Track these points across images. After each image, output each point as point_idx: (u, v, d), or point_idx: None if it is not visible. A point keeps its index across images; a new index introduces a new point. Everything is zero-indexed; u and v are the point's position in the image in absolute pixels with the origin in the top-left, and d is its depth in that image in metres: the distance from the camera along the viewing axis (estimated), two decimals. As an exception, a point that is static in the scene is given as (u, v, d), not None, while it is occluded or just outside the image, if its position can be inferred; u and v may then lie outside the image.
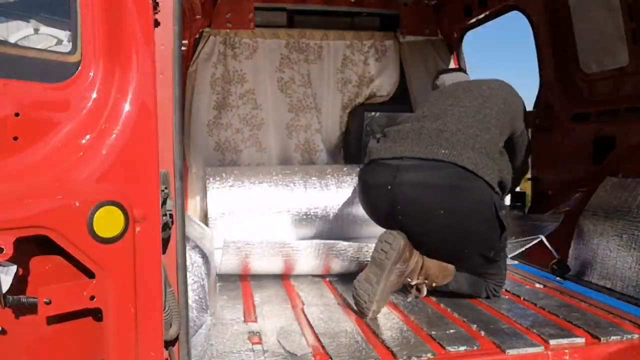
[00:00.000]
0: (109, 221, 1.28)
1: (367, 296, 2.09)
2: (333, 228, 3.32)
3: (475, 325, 1.97)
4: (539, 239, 2.74)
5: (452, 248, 2.24)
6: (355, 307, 2.20)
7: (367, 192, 2.43)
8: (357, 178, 3.35)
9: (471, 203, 2.16)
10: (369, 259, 2.26)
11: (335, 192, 3.32)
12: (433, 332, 1.91)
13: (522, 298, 2.32)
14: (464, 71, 3.16)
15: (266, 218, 3.18)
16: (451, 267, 2.26)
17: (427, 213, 2.15)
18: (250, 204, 3.16)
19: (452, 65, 4.12)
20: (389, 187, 2.24)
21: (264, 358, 1.72)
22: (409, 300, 2.26)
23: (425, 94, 4.04)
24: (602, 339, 1.82)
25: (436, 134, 2.27)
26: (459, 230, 2.17)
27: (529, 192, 3.50)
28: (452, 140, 2.23)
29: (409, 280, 2.21)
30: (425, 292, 2.25)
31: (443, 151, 2.21)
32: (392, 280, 2.13)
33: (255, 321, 2.11)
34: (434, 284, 2.25)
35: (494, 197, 2.17)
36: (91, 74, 1.37)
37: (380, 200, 2.28)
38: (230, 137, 3.80)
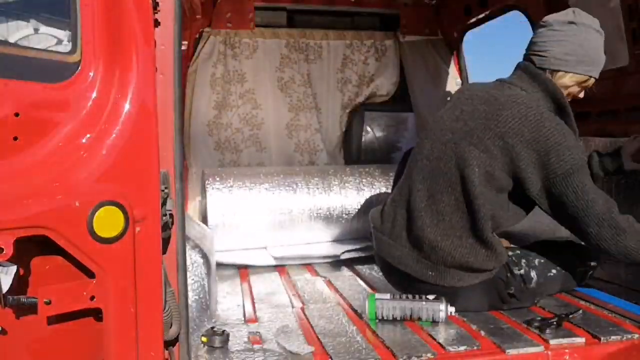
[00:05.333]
0: (109, 221, 1.28)
1: None
2: (336, 229, 3.32)
3: (475, 325, 1.97)
4: None
5: None
6: (355, 307, 2.21)
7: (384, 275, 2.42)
8: (359, 179, 3.37)
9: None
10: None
11: (339, 193, 3.32)
12: (433, 332, 1.91)
13: (522, 298, 2.32)
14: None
15: (268, 219, 3.18)
16: None
17: None
18: (251, 205, 3.16)
19: (452, 65, 4.12)
20: (403, 285, 2.22)
21: (264, 358, 1.72)
22: None
23: (425, 94, 4.07)
24: (602, 339, 1.82)
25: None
26: None
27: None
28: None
29: None
30: None
31: (430, 273, 2.08)
32: None
33: (255, 321, 2.11)
34: None
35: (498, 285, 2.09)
36: (91, 73, 1.37)
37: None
38: (230, 137, 3.81)
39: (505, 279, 2.10)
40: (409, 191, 2.19)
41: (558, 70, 2.08)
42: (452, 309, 2.01)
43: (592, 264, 2.26)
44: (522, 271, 2.12)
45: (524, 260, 2.14)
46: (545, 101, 2.06)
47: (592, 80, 2.13)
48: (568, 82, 2.10)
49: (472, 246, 2.02)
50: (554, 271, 2.17)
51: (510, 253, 2.15)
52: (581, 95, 2.19)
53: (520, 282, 2.11)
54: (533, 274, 2.12)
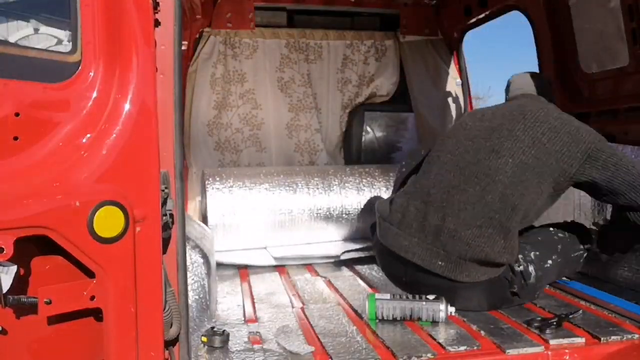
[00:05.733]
0: (109, 221, 1.28)
1: None
2: (336, 229, 3.32)
3: (475, 325, 1.97)
4: None
5: None
6: (355, 307, 2.21)
7: (383, 268, 2.46)
8: (359, 179, 3.38)
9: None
10: None
11: (339, 193, 3.32)
12: (433, 332, 1.91)
13: (522, 298, 2.32)
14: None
15: (268, 219, 3.18)
16: None
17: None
18: (251, 205, 3.16)
19: (452, 65, 4.11)
20: (403, 279, 2.27)
21: (264, 358, 1.72)
22: None
23: (425, 94, 4.07)
24: (602, 339, 1.82)
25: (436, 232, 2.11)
26: None
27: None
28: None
29: None
30: None
31: (439, 263, 2.09)
32: None
33: (255, 321, 2.11)
34: None
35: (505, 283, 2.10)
36: (91, 73, 1.37)
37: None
38: (230, 137, 3.81)
39: (510, 278, 2.10)
40: (428, 183, 2.22)
41: None
42: (452, 309, 2.01)
43: (586, 246, 2.28)
44: (521, 267, 2.11)
45: (520, 255, 2.13)
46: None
47: None
48: None
49: (490, 236, 2.03)
50: (549, 262, 2.16)
51: None
52: None
53: (520, 280, 2.11)
54: (531, 268, 2.12)
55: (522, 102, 2.25)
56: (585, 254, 2.28)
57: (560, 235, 2.26)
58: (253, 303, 2.35)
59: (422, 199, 2.20)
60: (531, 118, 2.09)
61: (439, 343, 1.81)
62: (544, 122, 2.07)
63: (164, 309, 1.43)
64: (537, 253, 2.16)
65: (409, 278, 2.20)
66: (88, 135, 1.35)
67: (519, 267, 2.11)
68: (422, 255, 2.12)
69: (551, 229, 2.29)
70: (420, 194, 2.22)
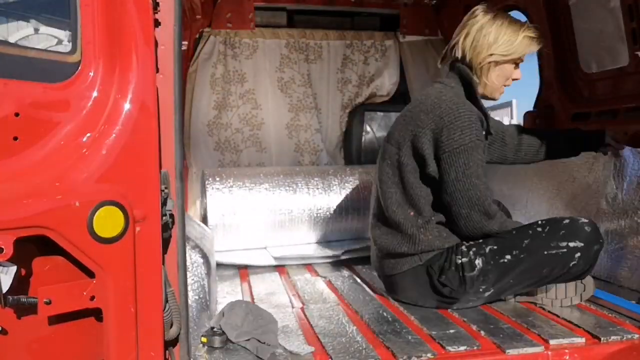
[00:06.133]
0: (109, 221, 1.28)
1: None
2: (336, 229, 3.32)
3: (475, 325, 1.97)
4: None
5: None
6: (355, 307, 2.21)
7: None
8: (359, 179, 3.38)
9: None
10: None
11: (339, 193, 3.32)
12: (433, 332, 1.91)
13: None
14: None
15: (268, 219, 3.18)
16: None
17: None
18: (251, 205, 3.16)
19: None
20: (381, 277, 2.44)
21: (264, 358, 1.72)
22: None
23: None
24: (602, 339, 1.82)
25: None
26: None
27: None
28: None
29: None
30: None
31: (376, 264, 2.37)
32: None
33: (255, 321, 2.10)
34: None
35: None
36: (91, 73, 1.37)
37: None
38: (230, 137, 3.81)
39: (439, 267, 2.11)
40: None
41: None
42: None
43: (575, 244, 2.02)
44: (463, 259, 2.07)
45: (473, 249, 2.08)
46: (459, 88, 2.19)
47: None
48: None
49: (388, 232, 2.22)
50: (507, 257, 2.04)
51: (464, 245, 2.11)
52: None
53: (456, 270, 2.07)
54: (478, 261, 2.06)
55: (423, 91, 2.31)
56: (578, 254, 2.02)
57: (538, 229, 2.07)
58: (253, 303, 2.35)
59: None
60: (408, 115, 2.18)
61: (439, 343, 1.81)
62: (415, 118, 2.12)
63: (164, 309, 1.43)
64: (495, 247, 2.06)
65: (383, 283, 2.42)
66: (88, 135, 1.35)
67: (461, 259, 2.08)
68: (373, 261, 2.41)
69: (540, 221, 2.13)
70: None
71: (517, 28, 2.13)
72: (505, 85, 2.23)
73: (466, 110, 2.05)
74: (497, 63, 2.15)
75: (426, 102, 2.12)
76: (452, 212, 2.08)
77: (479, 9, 2.18)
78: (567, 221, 2.08)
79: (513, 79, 2.21)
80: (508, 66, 2.17)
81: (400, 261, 2.19)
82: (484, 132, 2.15)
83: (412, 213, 2.15)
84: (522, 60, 2.19)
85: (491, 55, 2.12)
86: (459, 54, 2.18)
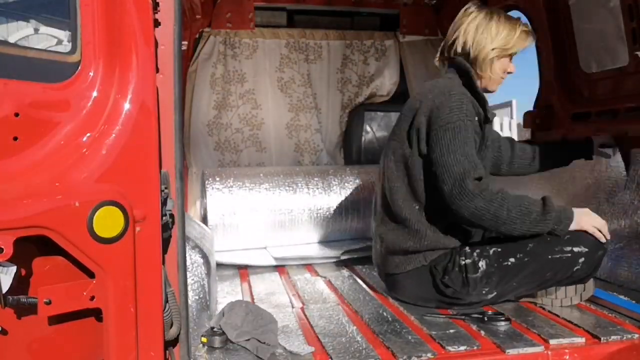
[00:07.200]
0: (109, 221, 1.28)
1: None
2: (336, 229, 3.32)
3: (475, 325, 1.97)
4: None
5: None
6: (355, 307, 2.21)
7: None
8: (359, 179, 3.38)
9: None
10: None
11: (339, 193, 3.32)
12: (433, 332, 1.91)
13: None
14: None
15: (268, 219, 3.18)
16: None
17: None
18: (251, 205, 3.16)
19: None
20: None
21: (264, 358, 1.72)
22: None
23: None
24: (602, 339, 1.82)
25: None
26: None
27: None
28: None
29: None
30: None
31: (378, 261, 2.34)
32: None
33: (255, 321, 2.10)
34: None
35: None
36: (91, 73, 1.37)
37: None
38: (230, 137, 3.81)
39: (443, 268, 2.11)
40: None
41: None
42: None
43: (579, 249, 2.03)
44: (467, 261, 2.08)
45: (477, 251, 2.09)
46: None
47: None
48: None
49: (395, 228, 2.22)
50: (511, 260, 2.05)
51: (469, 246, 2.12)
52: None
53: (460, 272, 2.07)
54: (481, 263, 2.06)
55: (422, 86, 2.43)
56: (582, 259, 2.02)
57: (548, 238, 2.05)
58: (253, 303, 2.35)
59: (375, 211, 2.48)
60: (408, 108, 2.22)
61: (439, 343, 1.81)
62: (414, 111, 2.16)
63: (164, 309, 1.43)
64: (499, 250, 2.08)
65: (385, 280, 2.39)
66: (88, 135, 1.35)
67: (464, 260, 2.08)
68: (376, 260, 2.37)
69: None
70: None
71: (514, 23, 2.20)
72: (502, 78, 2.28)
73: (458, 92, 2.10)
74: (498, 57, 2.20)
75: (422, 92, 2.21)
76: (439, 192, 2.03)
77: (472, 7, 2.23)
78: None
79: (508, 72, 2.28)
80: (505, 60, 2.23)
81: (405, 260, 2.18)
82: (476, 118, 2.16)
83: (417, 207, 2.16)
84: (516, 54, 2.26)
85: (493, 49, 2.17)
86: (459, 50, 2.22)
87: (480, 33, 2.17)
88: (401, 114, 2.28)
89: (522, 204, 1.98)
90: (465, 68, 2.21)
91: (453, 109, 2.04)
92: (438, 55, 2.34)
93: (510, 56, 2.24)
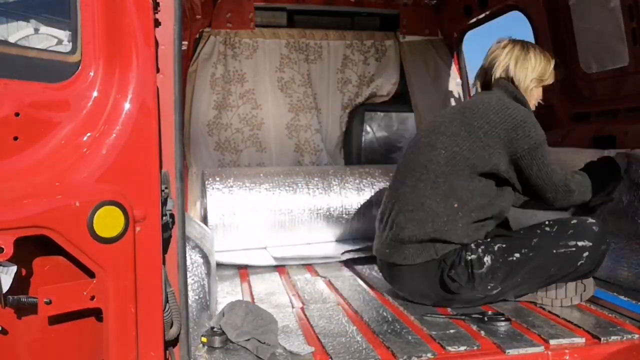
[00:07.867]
0: (109, 221, 1.28)
1: None
2: (336, 229, 3.32)
3: (475, 326, 1.97)
4: None
5: None
6: (355, 307, 2.21)
7: None
8: (359, 179, 3.38)
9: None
10: None
11: (339, 193, 3.32)
12: (433, 332, 1.91)
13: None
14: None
15: (268, 219, 3.18)
16: None
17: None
18: (251, 205, 3.16)
19: (452, 65, 4.11)
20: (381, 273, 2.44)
21: (264, 358, 1.72)
22: None
23: (425, 94, 4.07)
24: (602, 339, 1.82)
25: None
26: None
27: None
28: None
29: None
30: None
31: (387, 251, 2.29)
32: None
33: (256, 321, 2.10)
34: None
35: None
36: (91, 73, 1.37)
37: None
38: (230, 137, 3.81)
39: (450, 262, 2.11)
40: (391, 185, 2.42)
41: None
42: None
43: (584, 243, 2.09)
44: (473, 256, 2.09)
45: (482, 247, 2.11)
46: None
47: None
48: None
49: (420, 219, 2.17)
50: (516, 255, 2.08)
51: (474, 243, 2.13)
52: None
53: (465, 267, 2.08)
54: (487, 258, 2.08)
55: (474, 97, 2.42)
56: (586, 253, 2.08)
57: (547, 229, 2.14)
58: (253, 303, 2.35)
59: (390, 199, 2.36)
60: (470, 113, 2.19)
61: (439, 343, 1.81)
62: (482, 116, 2.15)
63: (164, 309, 1.43)
64: (504, 245, 2.10)
65: (387, 272, 2.37)
66: (88, 135, 1.35)
67: (470, 255, 2.09)
68: (381, 250, 2.32)
69: (547, 221, 2.18)
70: (390, 196, 2.37)
71: (549, 56, 2.35)
72: (534, 106, 2.39)
73: (530, 110, 2.26)
74: (536, 86, 2.34)
75: (491, 103, 2.19)
76: (539, 199, 2.22)
77: (504, 39, 2.37)
78: (575, 221, 2.16)
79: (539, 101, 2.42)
80: (540, 89, 2.37)
81: (416, 251, 2.16)
82: None
83: (456, 205, 2.14)
84: (549, 85, 2.39)
85: (532, 80, 2.31)
86: (502, 74, 2.32)
87: (521, 63, 2.29)
88: (456, 112, 2.27)
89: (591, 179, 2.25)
90: (511, 89, 2.30)
91: (536, 126, 2.15)
92: (478, 82, 2.44)
93: (544, 86, 2.36)
